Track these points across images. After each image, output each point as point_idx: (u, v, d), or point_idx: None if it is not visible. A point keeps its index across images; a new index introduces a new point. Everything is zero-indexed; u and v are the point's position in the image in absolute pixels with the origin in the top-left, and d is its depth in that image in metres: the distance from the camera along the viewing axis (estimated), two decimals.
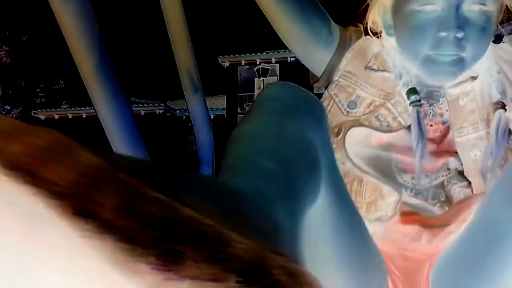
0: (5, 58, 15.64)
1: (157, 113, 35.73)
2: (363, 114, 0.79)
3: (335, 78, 0.84)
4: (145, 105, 36.12)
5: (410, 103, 0.78)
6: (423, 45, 0.75)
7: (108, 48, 0.55)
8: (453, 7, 0.73)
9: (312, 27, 0.83)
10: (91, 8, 0.52)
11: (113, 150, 0.60)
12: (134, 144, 0.61)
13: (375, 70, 0.82)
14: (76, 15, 0.51)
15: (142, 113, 35.46)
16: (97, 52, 0.54)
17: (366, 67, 0.82)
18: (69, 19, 0.51)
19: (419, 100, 0.78)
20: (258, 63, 31.28)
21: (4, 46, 15.60)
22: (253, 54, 33.72)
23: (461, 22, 0.72)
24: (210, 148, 1.01)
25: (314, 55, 0.86)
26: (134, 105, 34.69)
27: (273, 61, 32.73)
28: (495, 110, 0.77)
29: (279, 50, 36.29)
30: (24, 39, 15.79)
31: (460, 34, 0.72)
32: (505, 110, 0.77)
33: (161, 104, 35.91)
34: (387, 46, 0.83)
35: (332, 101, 0.83)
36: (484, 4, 0.73)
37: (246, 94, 33.97)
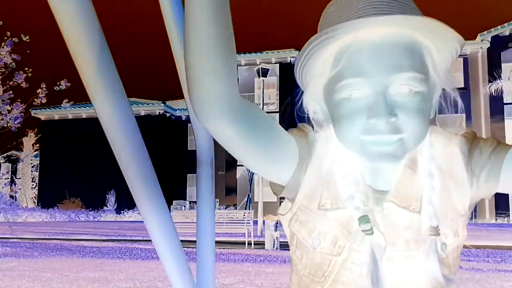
0: (5, 58, 15.63)
1: (157, 113, 35.77)
2: (331, 252, 0.79)
3: (294, 210, 0.83)
4: (145, 105, 36.16)
5: (362, 231, 0.76)
6: (355, 132, 0.74)
7: (108, 48, 0.55)
8: (380, 93, 0.72)
9: (272, 152, 0.76)
10: (92, 8, 0.52)
11: (113, 150, 0.60)
12: (134, 144, 0.61)
13: (329, 209, 0.79)
14: (76, 15, 0.51)
15: (142, 113, 35.61)
16: (97, 52, 0.54)
17: (319, 208, 0.80)
18: (69, 19, 0.51)
19: (371, 229, 0.76)
20: (258, 63, 31.23)
21: (5, 46, 15.60)
22: (253, 54, 33.75)
23: (392, 106, 0.71)
24: (209, 148, 1.01)
25: (275, 174, 0.81)
26: (134, 105, 34.78)
27: (273, 61, 32.80)
28: (430, 234, 0.76)
29: (279, 50, 36.31)
30: (24, 39, 15.78)
31: (393, 119, 0.71)
32: (439, 235, 0.76)
33: (161, 104, 35.93)
34: (332, 137, 0.81)
35: (296, 238, 0.83)
36: (413, 85, 0.72)
37: (246, 94, 33.98)
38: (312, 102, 0.83)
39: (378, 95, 0.72)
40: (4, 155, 44.06)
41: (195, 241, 1.04)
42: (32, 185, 47.92)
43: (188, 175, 35.88)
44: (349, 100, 0.74)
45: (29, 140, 47.61)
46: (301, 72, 0.79)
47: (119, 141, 0.60)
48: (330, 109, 0.79)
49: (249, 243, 12.41)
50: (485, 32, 29.95)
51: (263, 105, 18.54)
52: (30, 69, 16.06)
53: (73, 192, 36.56)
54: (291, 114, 32.82)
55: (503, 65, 29.14)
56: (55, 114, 37.64)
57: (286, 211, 0.86)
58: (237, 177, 33.23)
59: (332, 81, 0.76)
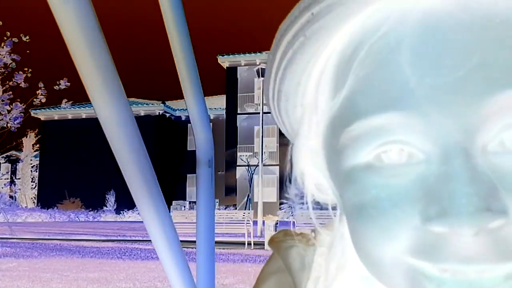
0: (5, 58, 15.63)
1: (157, 113, 35.76)
2: None
3: None
4: (144, 105, 36.15)
5: None
6: (394, 249, 0.30)
7: (108, 48, 0.55)
8: (456, 152, 0.28)
9: None
10: (92, 8, 0.52)
11: (113, 150, 0.60)
12: (134, 144, 0.61)
13: None
14: (76, 15, 0.51)
15: (142, 113, 35.59)
16: (97, 52, 0.54)
17: None
18: (69, 19, 0.51)
19: None
20: (258, 63, 31.22)
21: (4, 46, 15.59)
22: (253, 54, 33.75)
23: (490, 187, 0.27)
24: (209, 148, 1.01)
25: None
26: (134, 105, 34.76)
27: None
28: None
29: None
30: (24, 39, 15.78)
31: (495, 222, 0.27)
32: None
33: (161, 104, 35.93)
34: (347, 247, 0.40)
35: None
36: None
37: (246, 94, 34.00)
38: (308, 165, 0.40)
39: (453, 157, 0.28)
40: (4, 155, 44.05)
41: (195, 241, 1.04)
42: (32, 185, 47.90)
43: (187, 175, 35.87)
44: (376, 171, 0.31)
45: (29, 140, 47.58)
46: (277, 99, 0.38)
47: (119, 141, 0.60)
48: (338, 191, 0.35)
49: (249, 243, 12.40)
50: None
51: (262, 105, 18.53)
52: (30, 69, 16.06)
53: (72, 193, 36.54)
54: None
55: None
56: (55, 114, 37.63)
57: None
58: (237, 177, 33.23)
59: (335, 121, 0.33)
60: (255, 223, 15.69)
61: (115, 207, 34.49)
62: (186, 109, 0.94)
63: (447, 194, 0.27)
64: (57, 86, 16.04)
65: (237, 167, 33.17)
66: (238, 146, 33.38)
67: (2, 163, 48.91)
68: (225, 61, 34.55)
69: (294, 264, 0.43)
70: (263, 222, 14.16)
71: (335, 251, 0.42)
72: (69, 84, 16.10)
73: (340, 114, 0.32)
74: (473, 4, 0.28)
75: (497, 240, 0.27)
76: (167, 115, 37.04)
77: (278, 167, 32.24)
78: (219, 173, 32.68)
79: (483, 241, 0.27)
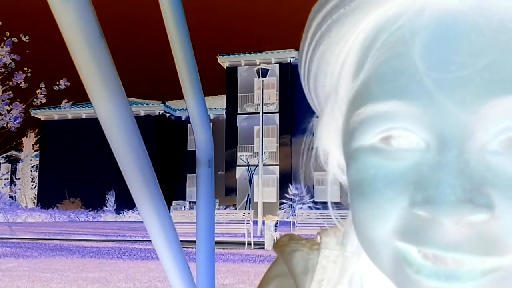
0: (5, 58, 15.62)
1: (157, 113, 35.78)
2: None
3: None
4: (144, 105, 36.17)
5: None
6: (384, 230, 0.32)
7: (108, 48, 0.55)
8: (453, 145, 0.29)
9: None
10: (92, 8, 0.52)
11: (112, 150, 0.60)
12: (134, 144, 0.61)
13: None
14: (76, 15, 0.51)
15: (142, 113, 35.60)
16: (97, 52, 0.54)
17: None
18: (69, 19, 0.51)
19: None
20: (258, 63, 31.19)
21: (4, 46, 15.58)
22: (253, 54, 33.75)
23: (479, 182, 0.28)
24: (209, 148, 1.01)
25: None
26: (134, 105, 34.77)
27: (273, 61, 32.79)
28: None
29: (278, 51, 36.27)
30: (24, 39, 15.77)
31: (480, 215, 0.28)
32: None
33: (161, 104, 35.95)
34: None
35: None
36: None
37: (245, 94, 34.01)
38: (332, 145, 0.40)
39: (447, 149, 0.29)
40: (4, 155, 44.05)
41: (195, 241, 1.04)
42: (32, 185, 47.90)
43: (187, 175, 35.88)
44: (378, 153, 0.32)
45: (29, 140, 47.60)
46: (307, 77, 0.40)
47: (119, 141, 0.60)
48: (347, 168, 0.36)
49: (249, 243, 12.40)
50: None
51: (262, 105, 18.54)
52: (30, 69, 16.05)
53: (72, 193, 36.55)
54: (291, 114, 32.81)
55: None
56: (55, 114, 37.64)
57: None
58: (237, 177, 33.23)
59: (350, 104, 0.35)
60: (255, 223, 15.69)
61: (115, 207, 34.49)
62: (186, 109, 0.94)
63: (434, 183, 0.28)
64: (56, 86, 16.05)
65: (237, 167, 33.16)
66: (238, 146, 33.38)
67: (2, 163, 48.92)
68: (225, 61, 34.56)
69: (297, 267, 0.44)
70: (263, 222, 14.16)
71: (344, 250, 0.43)
72: (68, 84, 16.10)
73: (355, 97, 0.34)
74: (490, 8, 0.29)
75: (479, 233, 0.28)
76: (167, 115, 37.04)
77: (278, 167, 32.24)
78: (219, 173, 32.68)
79: (464, 232, 0.28)
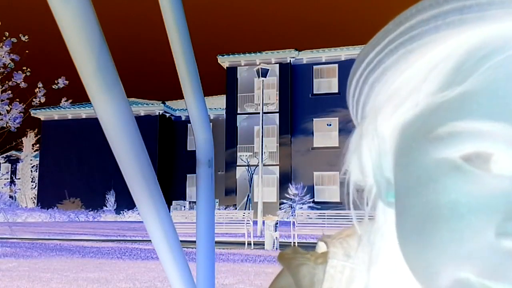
0: (4, 58, 15.62)
1: (157, 113, 35.78)
2: None
3: None
4: (144, 105, 36.17)
5: None
6: (456, 256, 0.30)
7: (108, 48, 0.55)
8: None
9: None
10: (92, 8, 0.52)
11: (112, 150, 0.60)
12: (134, 144, 0.61)
13: None
14: (76, 15, 0.51)
15: (142, 113, 35.62)
16: (97, 52, 0.54)
17: None
18: (69, 19, 0.51)
19: None
20: (258, 63, 31.19)
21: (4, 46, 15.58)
22: (253, 54, 33.76)
23: None
24: (209, 148, 1.01)
25: None
26: (134, 105, 34.79)
27: (273, 61, 32.80)
28: None
29: (278, 50, 36.23)
30: (23, 39, 15.77)
31: None
32: None
33: (161, 104, 35.95)
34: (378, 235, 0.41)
35: None
36: None
37: (246, 94, 34.02)
38: (368, 151, 0.39)
39: None
40: (4, 155, 44.05)
41: (195, 241, 1.04)
42: (32, 185, 47.91)
43: (187, 175, 35.88)
44: (461, 175, 0.31)
45: (29, 140, 47.61)
46: (368, 74, 0.38)
47: (119, 141, 0.60)
48: (403, 182, 0.35)
49: (249, 243, 12.41)
50: None
51: (262, 105, 18.54)
52: (29, 69, 16.06)
53: (72, 193, 36.56)
54: (291, 114, 32.81)
55: None
56: (55, 114, 37.64)
57: None
58: (237, 177, 33.24)
59: (437, 112, 0.33)
60: (255, 223, 15.69)
61: (115, 207, 34.49)
62: (186, 109, 0.94)
63: None
64: (55, 85, 16.04)
65: (237, 167, 33.16)
66: (238, 146, 33.38)
67: (2, 163, 48.93)
68: (225, 61, 34.57)
69: (304, 280, 0.44)
70: (263, 222, 14.16)
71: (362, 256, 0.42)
72: (67, 82, 16.10)
73: (447, 107, 0.32)
74: None
75: None
76: (167, 115, 37.04)
77: (278, 167, 32.24)
78: (219, 173, 32.68)
79: None
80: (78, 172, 36.15)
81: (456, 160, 0.30)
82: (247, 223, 12.41)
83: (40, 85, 16.40)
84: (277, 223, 11.86)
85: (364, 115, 0.40)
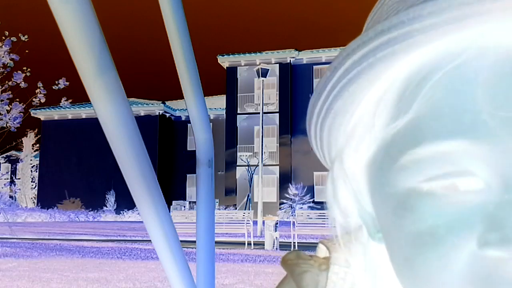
0: (4, 58, 15.61)
1: (157, 113, 35.78)
2: None
3: None
4: (144, 105, 36.17)
5: None
6: (451, 277, 0.31)
7: (108, 48, 0.55)
8: None
9: None
10: (92, 8, 0.52)
11: (112, 150, 0.60)
12: (134, 144, 0.61)
13: None
14: (76, 15, 0.51)
15: (142, 113, 35.62)
16: (97, 52, 0.54)
17: None
18: (69, 19, 0.51)
19: None
20: (258, 63, 31.19)
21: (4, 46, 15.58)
22: (253, 54, 33.77)
23: None
24: (209, 148, 1.01)
25: None
26: (134, 105, 34.79)
27: (273, 61, 32.81)
28: None
29: (278, 51, 36.23)
30: (23, 38, 15.77)
31: None
32: None
33: (161, 104, 35.96)
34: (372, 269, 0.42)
35: None
36: None
37: (246, 94, 34.03)
38: (345, 193, 0.40)
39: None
40: (4, 155, 44.06)
41: (195, 241, 1.04)
42: (32, 185, 47.91)
43: (187, 175, 35.88)
44: (434, 199, 0.31)
45: (29, 140, 47.61)
46: (322, 122, 0.38)
47: (119, 141, 0.60)
48: (382, 217, 0.36)
49: (249, 243, 12.41)
50: None
51: (262, 105, 18.54)
52: (29, 69, 16.05)
53: (72, 193, 36.56)
54: (291, 114, 32.80)
55: None
56: (55, 114, 37.64)
57: None
58: (237, 177, 33.24)
59: (393, 143, 0.34)
60: (255, 223, 15.69)
61: (115, 207, 34.50)
62: (186, 109, 0.94)
63: (509, 222, 0.28)
64: (56, 86, 16.04)
65: (237, 167, 33.17)
66: (238, 146, 33.38)
67: (2, 163, 48.94)
68: (225, 61, 34.58)
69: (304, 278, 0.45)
70: (263, 222, 14.16)
71: (356, 273, 0.43)
72: (68, 83, 16.10)
73: (402, 136, 0.32)
74: None
75: None
76: (167, 115, 37.04)
77: (278, 167, 32.24)
78: (219, 173, 32.68)
79: None
80: (78, 172, 36.15)
81: (423, 186, 0.31)
82: (247, 223, 12.41)
83: (40, 85, 16.40)
84: (277, 223, 11.86)
85: (331, 159, 0.41)
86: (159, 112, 36.20)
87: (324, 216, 12.73)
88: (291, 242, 12.19)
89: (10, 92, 16.02)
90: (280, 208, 30.88)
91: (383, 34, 0.30)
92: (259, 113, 20.68)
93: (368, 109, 0.36)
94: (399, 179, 0.32)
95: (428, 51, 0.32)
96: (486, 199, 0.29)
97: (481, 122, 0.29)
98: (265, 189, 30.36)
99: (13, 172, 50.24)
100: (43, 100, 16.40)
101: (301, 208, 28.04)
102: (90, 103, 0.55)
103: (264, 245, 12.15)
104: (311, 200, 29.92)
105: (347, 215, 0.41)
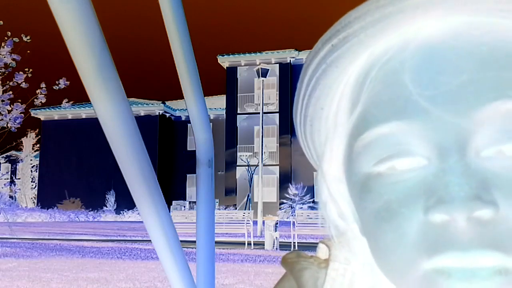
0: (5, 58, 15.61)
1: (157, 113, 35.77)
2: None
3: None
4: (144, 105, 36.15)
5: None
6: (404, 248, 0.33)
7: (108, 48, 0.55)
8: (453, 153, 0.32)
9: None
10: (92, 8, 0.52)
11: (112, 150, 0.60)
12: (134, 144, 0.61)
13: None
14: (76, 15, 0.51)
15: (142, 113, 35.61)
16: (97, 52, 0.54)
17: None
18: (69, 19, 0.51)
19: None
20: (258, 63, 31.18)
21: (5, 46, 15.58)
22: (253, 54, 33.75)
23: (481, 181, 0.31)
24: (209, 148, 1.01)
25: None
26: (134, 105, 34.78)
27: (273, 61, 32.80)
28: None
29: (278, 51, 36.24)
30: (25, 39, 15.77)
31: (484, 211, 0.30)
32: None
33: (161, 104, 35.93)
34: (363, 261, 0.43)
35: None
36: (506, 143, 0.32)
37: (246, 94, 34.02)
38: (333, 192, 0.43)
39: (448, 157, 0.32)
40: (4, 155, 44.05)
41: (195, 241, 1.04)
42: (32, 185, 47.91)
43: (187, 175, 35.86)
44: (386, 178, 0.34)
45: (29, 140, 47.60)
46: (303, 124, 0.43)
47: (119, 141, 0.60)
48: (356, 205, 0.39)
49: (249, 243, 12.40)
50: None
51: (262, 105, 18.53)
52: (30, 69, 16.06)
53: (72, 193, 36.55)
54: (291, 114, 32.74)
55: None
56: (55, 114, 37.62)
57: None
58: (237, 177, 33.23)
59: (351, 135, 0.38)
60: (255, 223, 15.69)
61: (115, 207, 34.48)
62: (186, 109, 0.94)
63: (442, 186, 0.31)
64: (56, 86, 16.04)
65: (237, 167, 33.15)
66: (238, 146, 33.37)
67: (2, 163, 48.94)
68: (225, 61, 34.56)
69: (307, 285, 0.46)
70: (263, 222, 14.16)
71: (353, 269, 0.44)
72: (68, 83, 16.09)
73: (355, 127, 0.37)
74: (464, 35, 0.34)
75: (487, 231, 0.30)
76: (167, 115, 37.03)
77: (278, 167, 32.24)
78: (219, 173, 32.67)
79: (475, 230, 0.30)
80: (78, 172, 36.14)
81: (375, 169, 0.35)
82: (247, 223, 12.40)
83: (43, 85, 16.39)
84: (277, 223, 11.85)
85: (317, 163, 0.45)
86: (159, 112, 36.19)
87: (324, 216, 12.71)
88: (291, 242, 12.19)
89: (11, 92, 16.02)
90: (280, 208, 30.87)
91: (327, 42, 0.37)
92: (259, 113, 20.68)
93: (332, 111, 0.41)
94: (358, 166, 0.37)
95: (369, 53, 0.37)
96: (427, 172, 0.33)
97: (412, 103, 0.33)
98: (265, 189, 30.36)
99: (13, 172, 50.23)
100: (44, 101, 16.38)
101: (301, 208, 28.03)
102: (90, 103, 0.55)
103: (264, 245, 12.15)
104: (311, 200, 29.91)
105: (344, 219, 0.44)
